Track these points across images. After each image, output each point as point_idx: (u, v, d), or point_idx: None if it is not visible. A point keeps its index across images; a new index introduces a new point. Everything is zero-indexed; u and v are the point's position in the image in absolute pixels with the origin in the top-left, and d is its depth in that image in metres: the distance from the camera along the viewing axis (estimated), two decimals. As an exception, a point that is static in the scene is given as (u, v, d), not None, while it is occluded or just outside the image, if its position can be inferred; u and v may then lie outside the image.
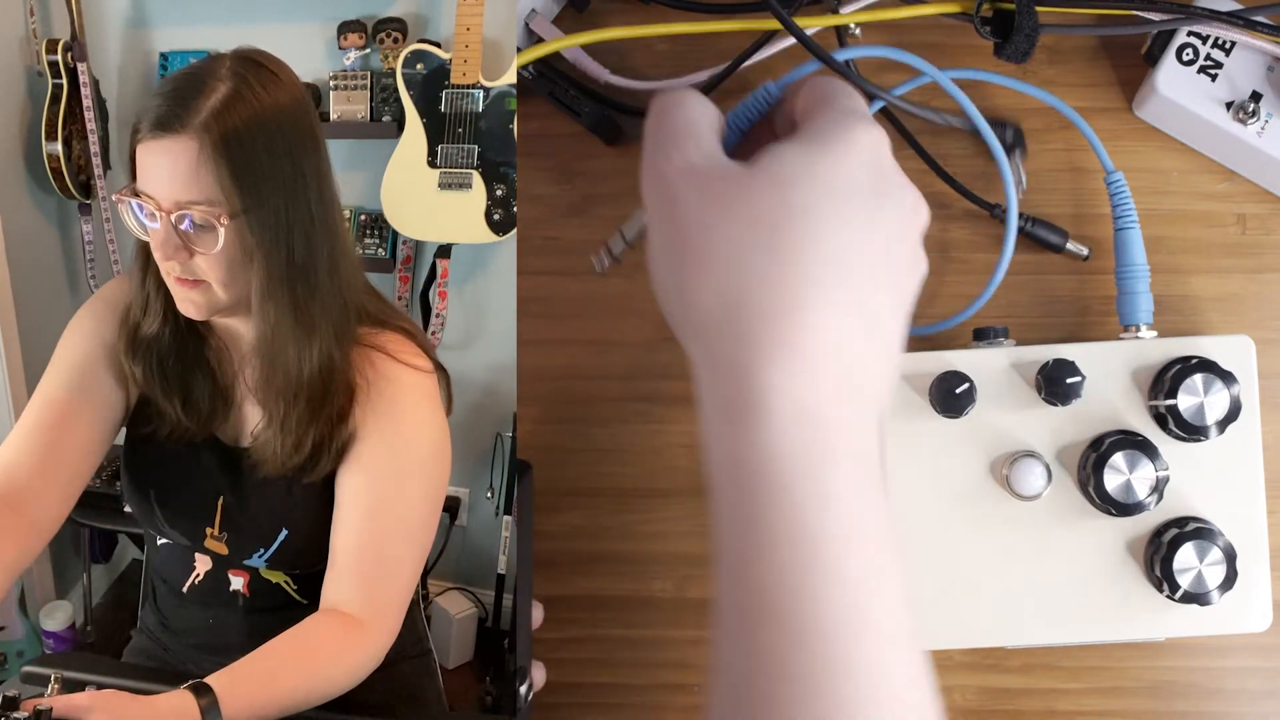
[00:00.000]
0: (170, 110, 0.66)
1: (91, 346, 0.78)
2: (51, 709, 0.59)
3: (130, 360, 0.77)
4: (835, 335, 0.39)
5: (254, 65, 0.70)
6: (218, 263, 0.69)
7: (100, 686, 0.65)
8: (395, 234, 1.60)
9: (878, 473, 0.40)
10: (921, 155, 0.68)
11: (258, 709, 0.66)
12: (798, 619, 0.37)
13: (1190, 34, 0.64)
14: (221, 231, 0.67)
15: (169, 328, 0.76)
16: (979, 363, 0.62)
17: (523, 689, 0.58)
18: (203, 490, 0.79)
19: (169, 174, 0.67)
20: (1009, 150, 0.64)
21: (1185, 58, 0.64)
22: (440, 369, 0.79)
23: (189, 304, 0.72)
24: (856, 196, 0.40)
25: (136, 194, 0.69)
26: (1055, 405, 0.62)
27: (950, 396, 0.61)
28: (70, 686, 0.65)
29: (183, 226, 0.68)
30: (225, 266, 0.69)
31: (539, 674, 0.62)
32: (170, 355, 0.76)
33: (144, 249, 0.74)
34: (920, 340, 0.67)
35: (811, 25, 0.65)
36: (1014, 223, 0.64)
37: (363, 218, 1.63)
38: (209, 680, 0.64)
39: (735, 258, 0.39)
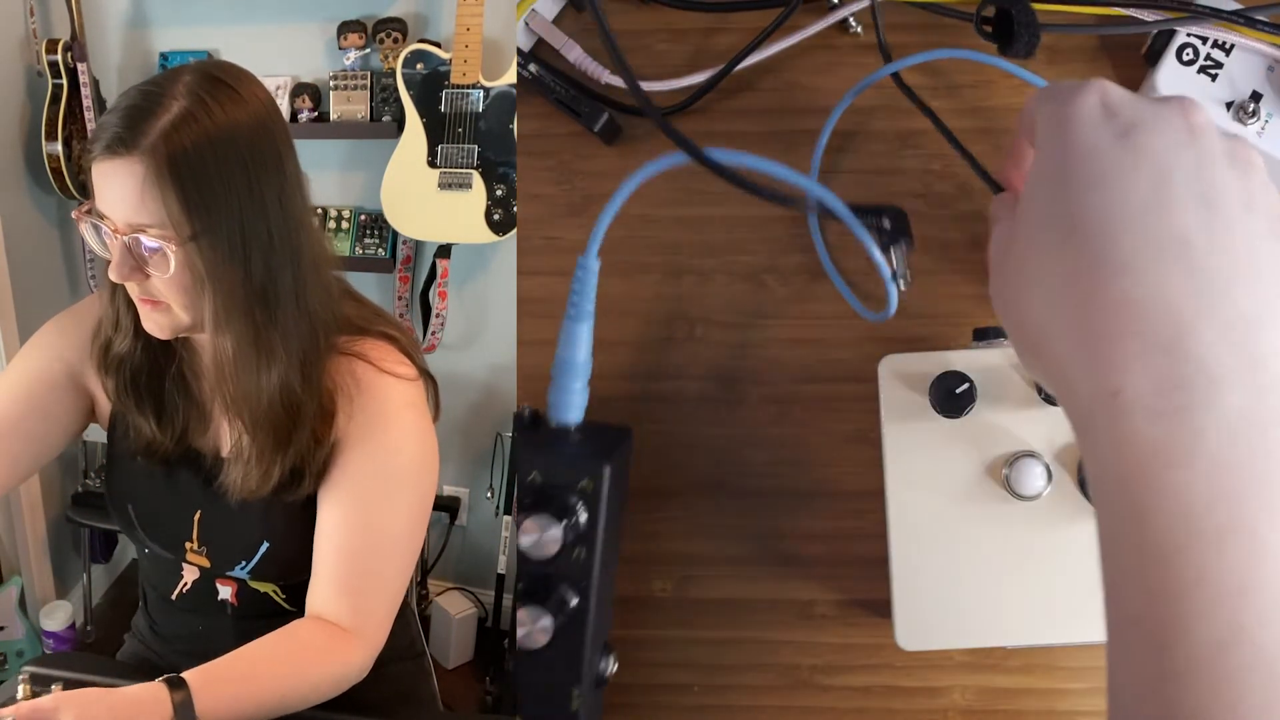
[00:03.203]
0: (120, 131, 0.64)
1: (49, 363, 0.77)
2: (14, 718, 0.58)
3: (103, 375, 0.76)
4: None
5: (213, 82, 0.67)
6: (173, 286, 0.67)
7: (85, 686, 0.64)
8: (395, 234, 1.60)
9: None
10: (944, 133, 0.68)
11: (234, 708, 0.65)
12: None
13: (1190, 34, 0.64)
14: (173, 256, 0.66)
15: (140, 344, 0.75)
16: (979, 363, 0.62)
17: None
18: (179, 505, 0.79)
19: (120, 195, 0.65)
20: (892, 239, 0.60)
21: (1185, 58, 0.64)
22: (426, 375, 0.78)
23: (152, 323, 0.71)
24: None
25: (98, 214, 0.67)
26: (1055, 405, 0.62)
27: (950, 396, 0.61)
28: (38, 683, 0.65)
29: (137, 249, 0.66)
30: (181, 290, 0.68)
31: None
32: (143, 371, 0.76)
33: None
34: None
35: None
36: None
37: (363, 218, 1.63)
38: (185, 675, 0.64)
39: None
